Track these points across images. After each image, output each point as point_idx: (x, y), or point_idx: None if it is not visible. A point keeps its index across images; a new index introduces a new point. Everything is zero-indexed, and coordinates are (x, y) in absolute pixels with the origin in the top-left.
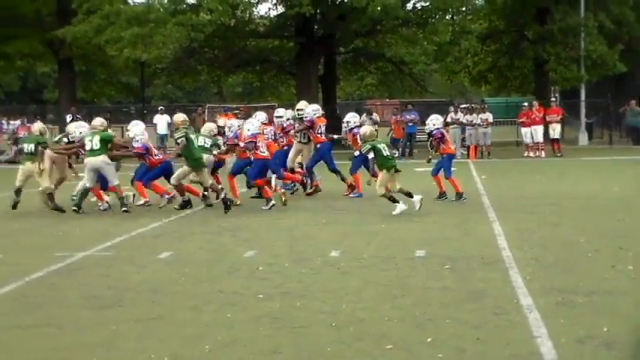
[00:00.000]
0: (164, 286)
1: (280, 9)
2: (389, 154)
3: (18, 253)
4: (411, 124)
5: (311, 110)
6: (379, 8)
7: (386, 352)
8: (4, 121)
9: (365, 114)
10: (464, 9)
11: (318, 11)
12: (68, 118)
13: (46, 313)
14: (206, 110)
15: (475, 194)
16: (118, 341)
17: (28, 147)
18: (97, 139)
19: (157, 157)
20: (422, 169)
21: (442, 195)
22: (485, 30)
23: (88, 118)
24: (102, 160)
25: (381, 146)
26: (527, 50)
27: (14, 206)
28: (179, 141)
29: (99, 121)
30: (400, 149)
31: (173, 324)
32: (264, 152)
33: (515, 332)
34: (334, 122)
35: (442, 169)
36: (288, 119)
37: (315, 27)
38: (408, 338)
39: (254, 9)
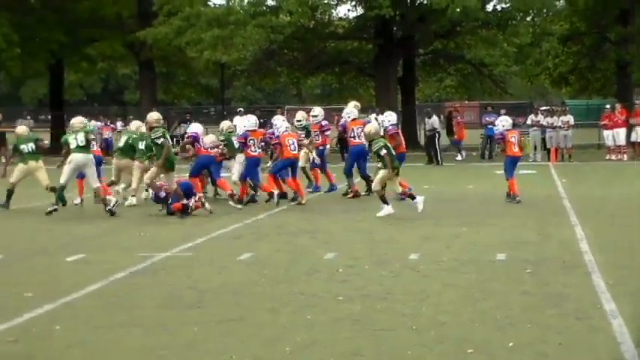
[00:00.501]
0: (244, 288)
1: (360, 10)
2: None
3: (102, 253)
4: (490, 126)
5: (345, 114)
6: (459, 10)
7: (467, 355)
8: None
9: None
10: (545, 10)
11: (397, 13)
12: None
13: (129, 312)
14: (285, 112)
15: (556, 197)
16: (200, 342)
17: (28, 146)
18: (81, 135)
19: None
20: (501, 172)
21: (511, 197)
22: (566, 31)
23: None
24: (90, 157)
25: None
26: (609, 52)
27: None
28: (160, 141)
29: (78, 120)
30: (480, 151)
31: (253, 325)
32: (254, 151)
33: (599, 338)
34: (410, 126)
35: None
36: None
37: (395, 28)
38: (489, 342)
39: (333, 10)
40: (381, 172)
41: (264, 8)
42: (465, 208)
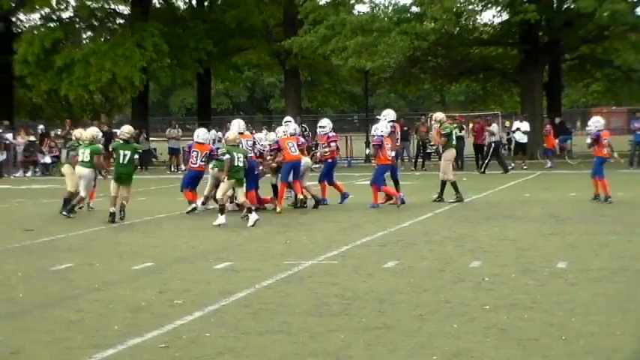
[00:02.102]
0: (390, 295)
1: (505, 16)
2: None
3: (248, 261)
4: (639, 132)
5: (384, 118)
6: (607, 14)
7: None
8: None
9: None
10: None
11: (543, 17)
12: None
13: (277, 319)
14: (429, 119)
15: None
16: (346, 349)
17: (84, 153)
18: (87, 151)
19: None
20: None
21: (601, 197)
22: None
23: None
24: (89, 172)
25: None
26: None
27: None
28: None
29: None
30: (629, 158)
31: (399, 333)
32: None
33: None
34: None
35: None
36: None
37: (540, 33)
38: None
39: (478, 16)
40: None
41: (409, 15)
42: (612, 216)
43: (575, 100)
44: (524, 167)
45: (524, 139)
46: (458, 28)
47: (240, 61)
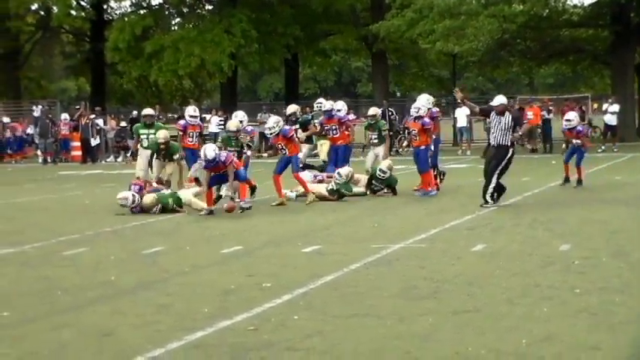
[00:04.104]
0: (479, 279)
1: None
2: None
3: (336, 245)
4: None
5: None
6: None
7: None
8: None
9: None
10: None
11: None
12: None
13: (365, 303)
14: (516, 103)
15: None
16: (435, 332)
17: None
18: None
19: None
20: None
21: None
22: None
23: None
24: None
25: None
26: None
27: None
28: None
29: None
30: None
31: (488, 317)
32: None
33: None
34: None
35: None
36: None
37: (632, 14)
38: None
39: None
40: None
41: None
42: None
43: None
44: (615, 150)
45: (613, 121)
46: (547, 10)
47: (328, 46)
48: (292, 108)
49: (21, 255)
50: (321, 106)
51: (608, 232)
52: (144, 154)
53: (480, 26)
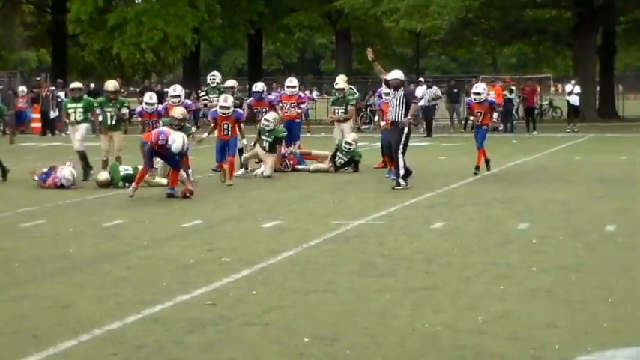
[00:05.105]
0: (437, 257)
1: None
2: None
3: (296, 220)
4: None
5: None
6: None
7: None
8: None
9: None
10: None
11: None
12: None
13: (324, 279)
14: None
15: None
16: (393, 309)
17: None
18: None
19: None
20: None
21: None
22: None
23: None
24: None
25: None
26: None
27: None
28: None
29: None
30: None
31: (446, 294)
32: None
33: None
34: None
35: None
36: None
37: None
38: None
39: None
40: None
41: None
42: None
43: (628, 64)
44: (575, 130)
45: (577, 102)
46: None
47: (292, 22)
48: (230, 82)
49: None
50: (214, 79)
51: (567, 212)
52: (75, 129)
53: (443, 4)
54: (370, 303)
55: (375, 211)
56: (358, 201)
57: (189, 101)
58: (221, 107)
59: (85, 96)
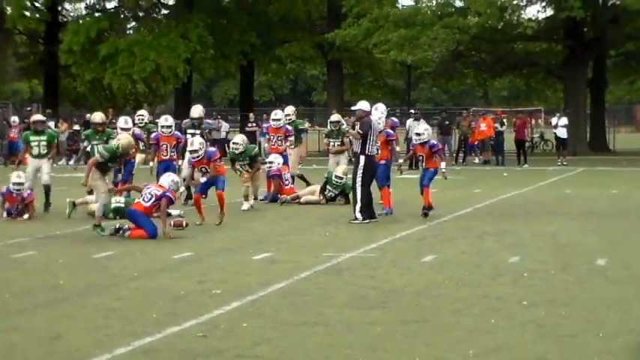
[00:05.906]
0: (428, 289)
1: (549, 11)
2: None
3: (287, 252)
4: None
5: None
6: None
7: None
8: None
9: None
10: None
11: (588, 14)
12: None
13: (314, 311)
14: (471, 114)
15: None
16: (384, 342)
17: None
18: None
19: None
20: None
21: None
22: None
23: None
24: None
25: None
26: None
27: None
28: None
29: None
30: None
31: (437, 327)
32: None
33: None
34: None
35: None
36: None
37: (585, 29)
38: None
39: (522, 11)
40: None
41: (452, 9)
42: None
43: (619, 97)
44: (565, 163)
45: (564, 134)
46: (502, 23)
47: (284, 54)
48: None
49: None
50: (142, 119)
51: (558, 245)
52: (40, 162)
53: (434, 36)
54: (361, 336)
55: (366, 244)
56: (349, 233)
57: (137, 130)
58: (190, 152)
59: (49, 130)
